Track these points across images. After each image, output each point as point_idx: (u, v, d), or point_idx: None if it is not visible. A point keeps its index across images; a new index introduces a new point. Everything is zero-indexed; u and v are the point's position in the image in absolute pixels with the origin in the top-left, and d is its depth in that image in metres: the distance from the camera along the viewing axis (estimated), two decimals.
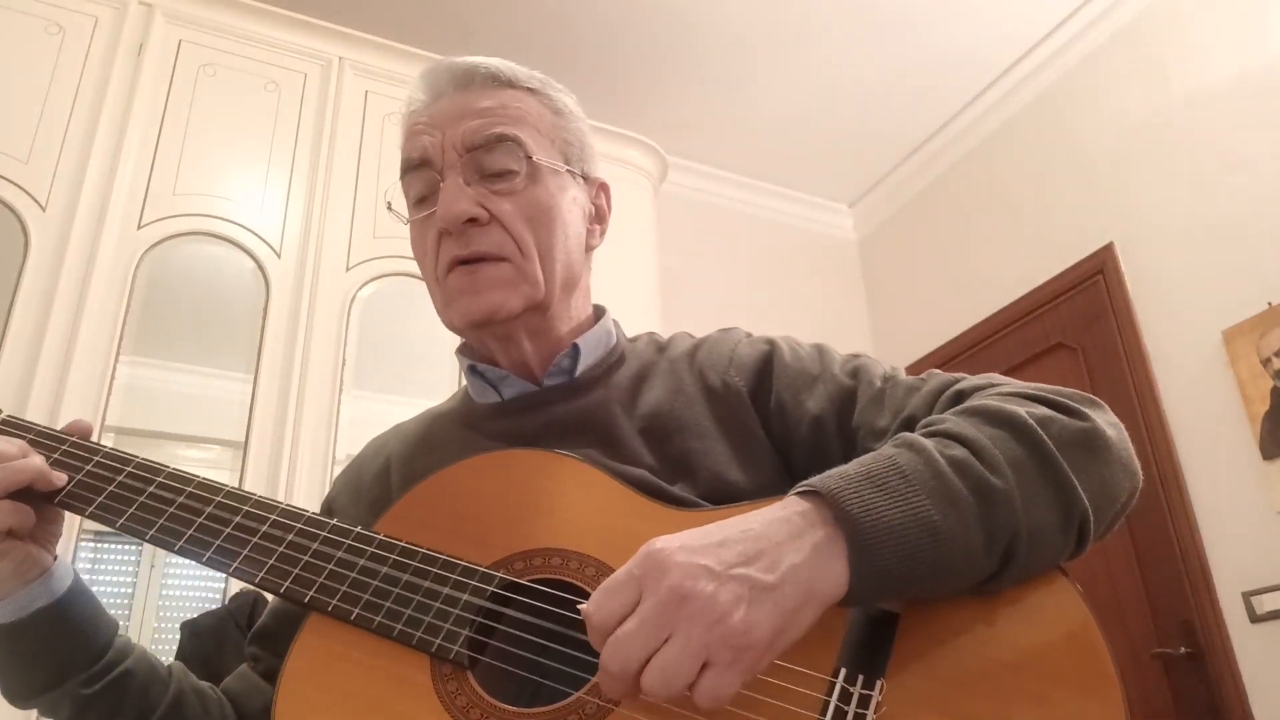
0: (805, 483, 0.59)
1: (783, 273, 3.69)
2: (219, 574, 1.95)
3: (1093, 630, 0.57)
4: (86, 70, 2.18)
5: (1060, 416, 0.64)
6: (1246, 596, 2.30)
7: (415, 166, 0.82)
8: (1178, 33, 2.73)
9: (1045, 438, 0.61)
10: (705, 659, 0.50)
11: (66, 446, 0.74)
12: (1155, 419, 2.58)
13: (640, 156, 2.91)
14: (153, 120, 2.21)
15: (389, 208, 0.89)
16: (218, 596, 1.92)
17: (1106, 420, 0.66)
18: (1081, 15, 2.97)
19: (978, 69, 3.21)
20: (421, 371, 2.45)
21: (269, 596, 1.86)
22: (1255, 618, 2.28)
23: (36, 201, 2.02)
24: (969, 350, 3.26)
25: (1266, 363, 2.33)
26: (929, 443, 0.61)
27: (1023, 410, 0.63)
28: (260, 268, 2.19)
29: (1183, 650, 2.41)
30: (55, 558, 0.72)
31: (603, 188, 0.90)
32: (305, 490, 1.97)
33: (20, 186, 2.01)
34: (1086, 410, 0.65)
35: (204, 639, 0.82)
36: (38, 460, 0.70)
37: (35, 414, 1.83)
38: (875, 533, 0.55)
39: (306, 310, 2.18)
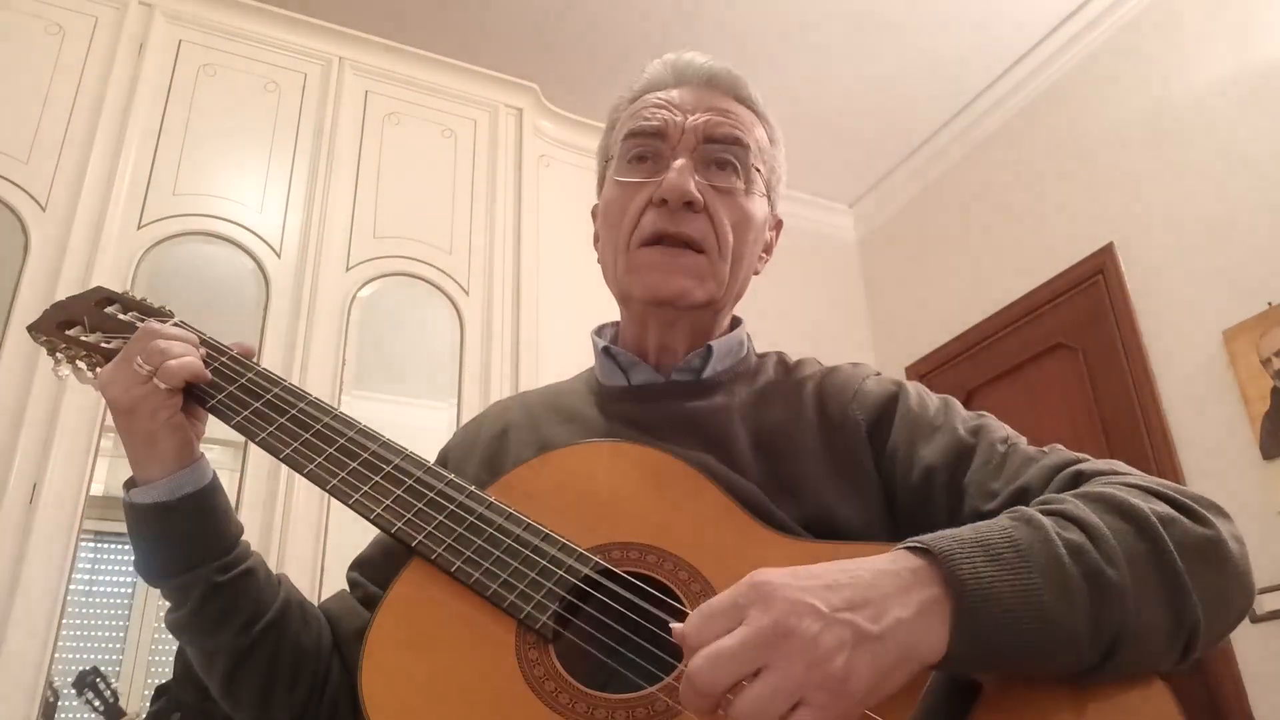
0: (918, 539, 0.58)
1: (783, 273, 3.68)
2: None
3: None
4: (86, 70, 2.18)
5: (1184, 520, 0.62)
6: None
7: (650, 134, 0.84)
8: (1178, 32, 2.73)
9: (1167, 538, 0.60)
10: (800, 698, 0.49)
11: (225, 359, 0.81)
12: (1155, 419, 2.58)
13: None
14: (152, 120, 2.21)
15: (606, 158, 0.92)
16: None
17: (1230, 532, 0.64)
18: (1081, 15, 2.97)
19: (978, 69, 3.21)
20: (421, 371, 2.45)
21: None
22: (1255, 618, 2.28)
23: (36, 201, 2.02)
24: (969, 350, 3.26)
25: (1266, 363, 2.33)
26: (1047, 521, 0.59)
27: (1147, 507, 0.61)
28: (260, 268, 2.20)
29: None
30: (202, 453, 0.78)
31: (779, 224, 0.94)
32: (305, 490, 1.97)
33: (20, 186, 2.02)
34: (1212, 518, 0.63)
35: None
36: (200, 352, 0.78)
37: (36, 414, 1.84)
38: (982, 602, 0.55)
39: (306, 310, 2.18)
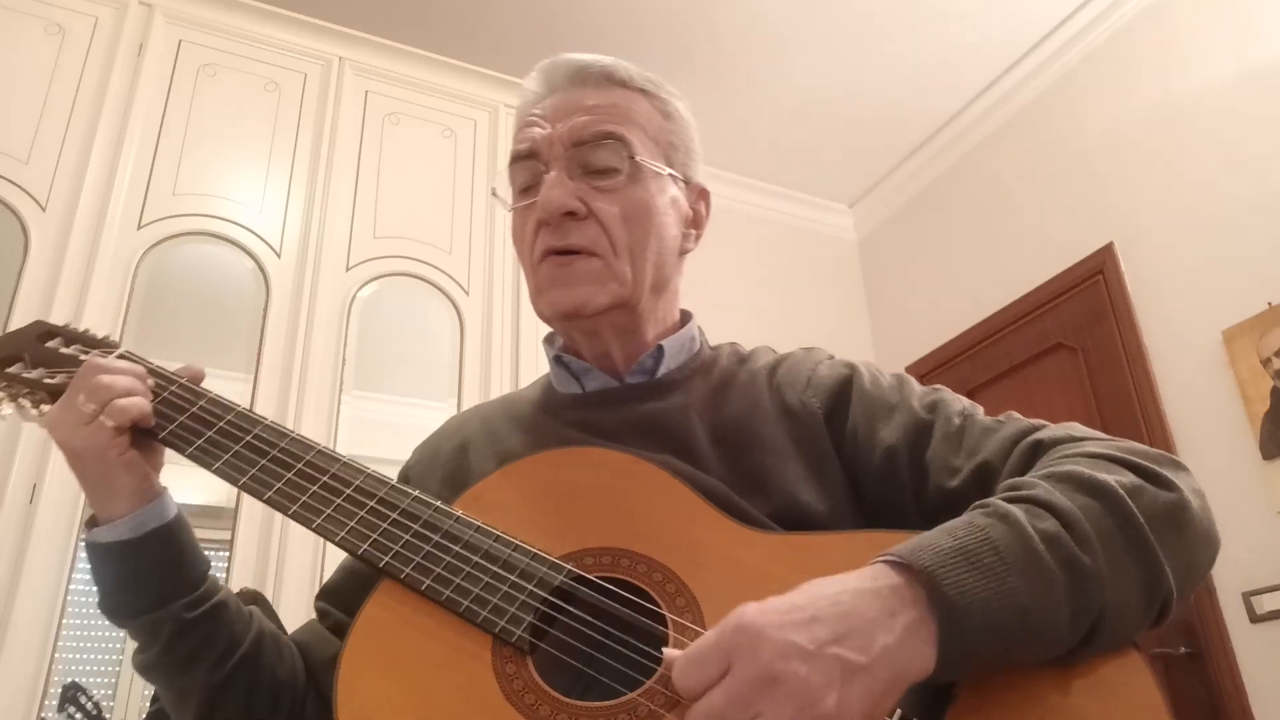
0: (896, 553, 0.58)
1: (782, 273, 3.69)
2: (218, 576, 1.95)
3: (1160, 711, 0.56)
4: (86, 70, 2.18)
5: (1149, 487, 0.63)
6: (1246, 596, 2.30)
7: (523, 157, 0.84)
8: (1178, 33, 2.73)
9: (1136, 511, 0.61)
10: None
11: (175, 388, 0.79)
12: (1155, 419, 2.58)
13: None
14: (153, 120, 2.21)
15: (493, 193, 0.91)
16: None
17: (1191, 488, 0.65)
18: (1081, 15, 2.97)
19: (978, 69, 3.21)
20: (421, 371, 2.45)
21: (269, 597, 1.86)
22: (1255, 618, 2.28)
23: (36, 201, 2.02)
24: (969, 350, 3.26)
25: (1266, 363, 2.33)
26: (1020, 514, 0.59)
27: (1113, 479, 0.62)
28: (260, 268, 2.20)
29: (1183, 650, 2.41)
30: (164, 487, 0.76)
31: (703, 194, 0.91)
32: None
33: (20, 186, 2.01)
34: (1172, 478, 0.64)
35: None
36: (140, 371, 0.76)
37: None
38: (967, 615, 0.55)
39: (306, 310, 2.18)
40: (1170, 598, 0.61)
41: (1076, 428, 0.71)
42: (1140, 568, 0.60)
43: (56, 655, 1.72)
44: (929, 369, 3.40)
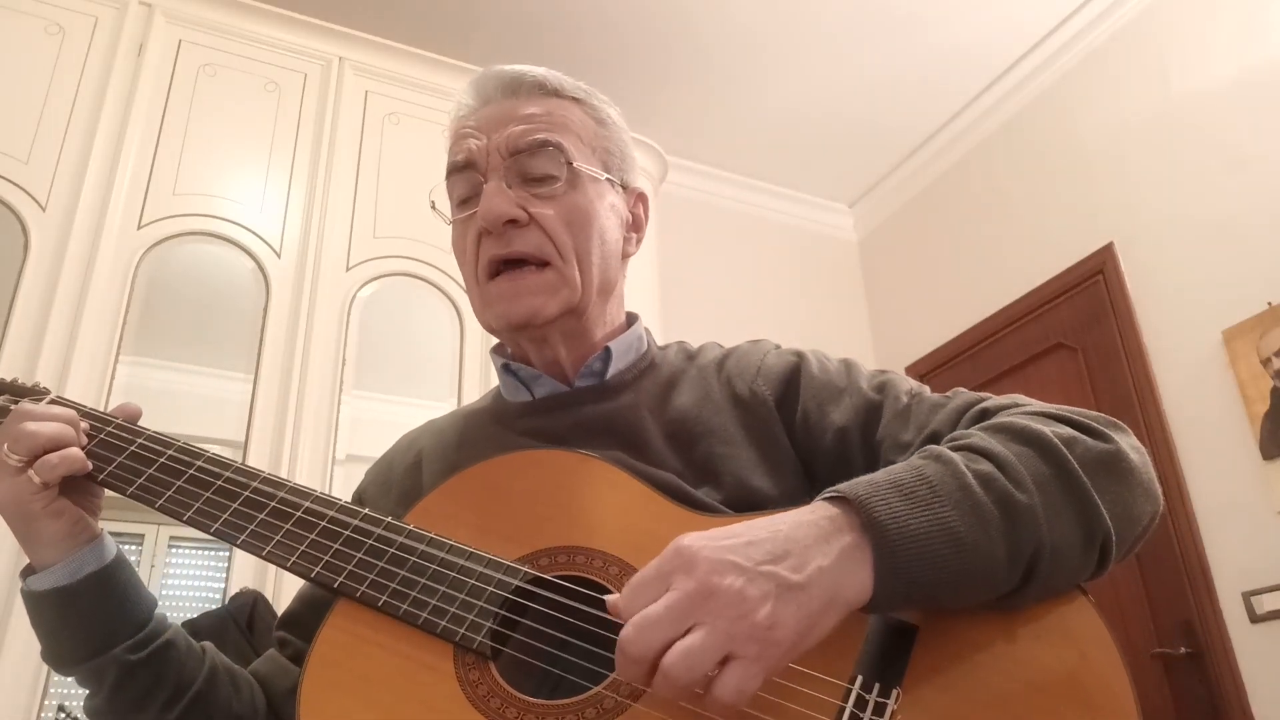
0: (834, 489, 0.60)
1: (783, 273, 3.69)
2: (218, 575, 1.95)
3: (1111, 651, 0.57)
4: (86, 70, 2.18)
5: (1084, 438, 0.65)
6: (1246, 596, 2.30)
7: (460, 169, 0.84)
8: (1178, 33, 2.73)
9: (1070, 457, 0.62)
10: (729, 651, 0.51)
11: (111, 428, 0.77)
12: (1155, 419, 2.58)
13: (640, 156, 2.86)
14: (153, 120, 2.21)
15: (432, 206, 0.91)
16: (218, 597, 1.92)
17: (1130, 444, 0.67)
18: (1082, 15, 2.97)
19: (978, 69, 3.21)
20: (421, 371, 2.45)
21: (269, 597, 1.86)
22: (1255, 618, 2.28)
23: (36, 201, 2.02)
24: (969, 350, 3.26)
25: (1266, 363, 2.33)
26: (956, 456, 0.62)
27: (1049, 430, 0.64)
28: (260, 268, 2.19)
29: (1183, 650, 2.41)
30: (102, 528, 0.75)
31: (640, 197, 0.93)
32: None
33: (20, 186, 2.01)
34: (1110, 433, 0.66)
35: (204, 639, 0.82)
36: (71, 414, 0.74)
37: None
38: (901, 540, 0.56)
39: (306, 310, 2.18)
40: (1109, 540, 0.62)
41: (1021, 397, 0.73)
42: (1075, 510, 0.61)
43: None
44: (929, 369, 3.40)
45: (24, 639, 1.68)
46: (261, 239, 2.22)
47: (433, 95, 2.59)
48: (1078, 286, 2.90)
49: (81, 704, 0.74)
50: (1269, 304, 2.35)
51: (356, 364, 2.21)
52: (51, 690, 1.71)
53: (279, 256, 2.22)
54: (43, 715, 1.68)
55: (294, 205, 2.29)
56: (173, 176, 2.18)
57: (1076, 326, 2.90)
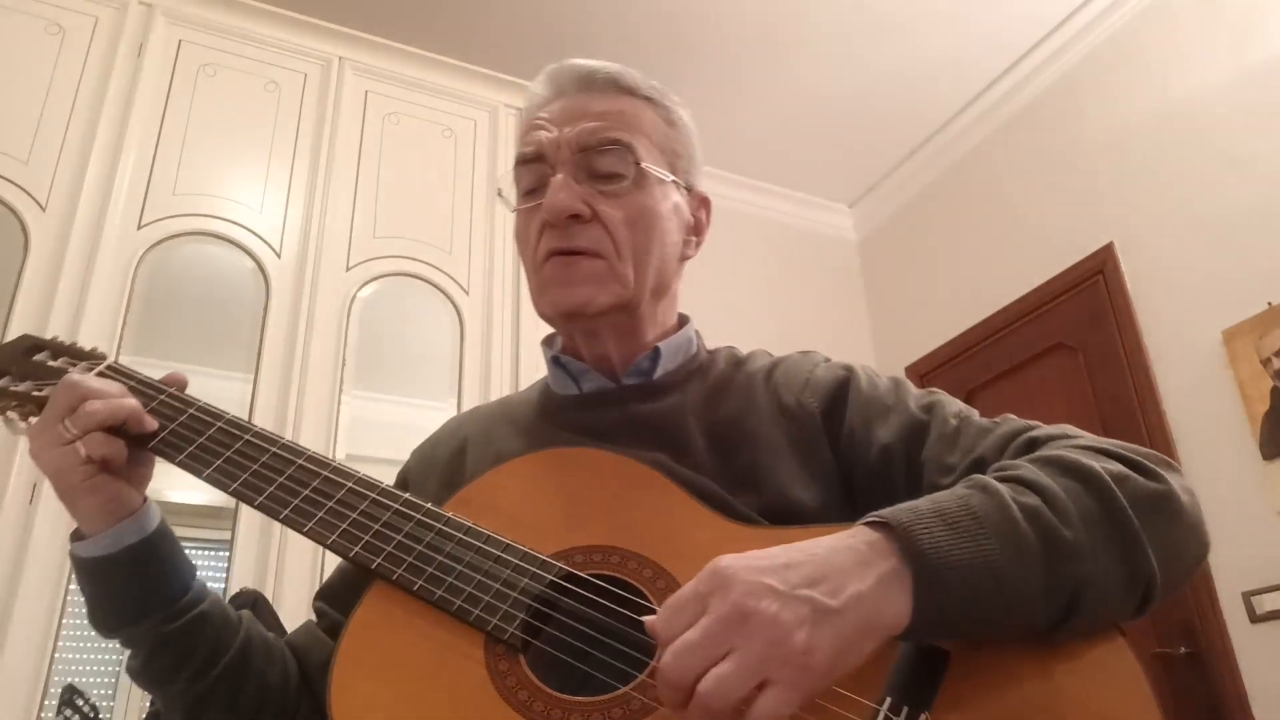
0: (875, 513, 0.59)
1: (783, 273, 3.69)
2: (219, 575, 1.95)
3: (1145, 695, 0.56)
4: (86, 70, 2.18)
5: (1135, 476, 0.63)
6: (1246, 596, 2.30)
7: (529, 160, 0.84)
8: (1178, 33, 2.73)
9: (1119, 495, 0.61)
10: (764, 676, 0.50)
11: (164, 397, 0.78)
12: (1155, 419, 2.58)
13: None
14: (153, 120, 2.21)
15: (499, 194, 0.92)
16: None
17: (1180, 484, 0.65)
18: (1081, 15, 2.97)
19: (978, 69, 3.21)
20: (421, 371, 2.45)
21: (269, 596, 1.86)
22: (1255, 618, 2.28)
23: (36, 201, 2.02)
24: (969, 350, 3.26)
25: (1266, 363, 2.33)
26: (1003, 488, 0.61)
27: (1099, 465, 0.63)
28: (260, 268, 2.20)
29: (1183, 650, 2.41)
30: (145, 499, 0.75)
31: (704, 202, 0.93)
32: None
33: (20, 186, 2.01)
34: (1162, 472, 0.65)
35: None
36: (134, 402, 0.74)
37: None
38: (942, 570, 0.56)
39: (306, 310, 2.18)
40: (1153, 582, 0.61)
41: (1072, 429, 0.72)
42: (1121, 548, 0.60)
43: (56, 656, 1.72)
44: (929, 369, 3.40)
45: (24, 638, 1.68)
46: (261, 239, 2.22)
47: (433, 95, 2.59)
48: (1078, 286, 2.90)
49: (125, 663, 0.77)
50: (1269, 304, 2.35)
51: (356, 364, 2.21)
52: (52, 690, 1.71)
53: (279, 256, 2.22)
54: (43, 715, 1.68)
55: (294, 205, 2.29)
56: (173, 176, 2.18)
57: (1076, 326, 2.90)
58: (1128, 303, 2.73)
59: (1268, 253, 2.40)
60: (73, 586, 1.78)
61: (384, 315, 2.34)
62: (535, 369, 2.30)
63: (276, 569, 1.91)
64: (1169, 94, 2.72)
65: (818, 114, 3.38)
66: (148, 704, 1.54)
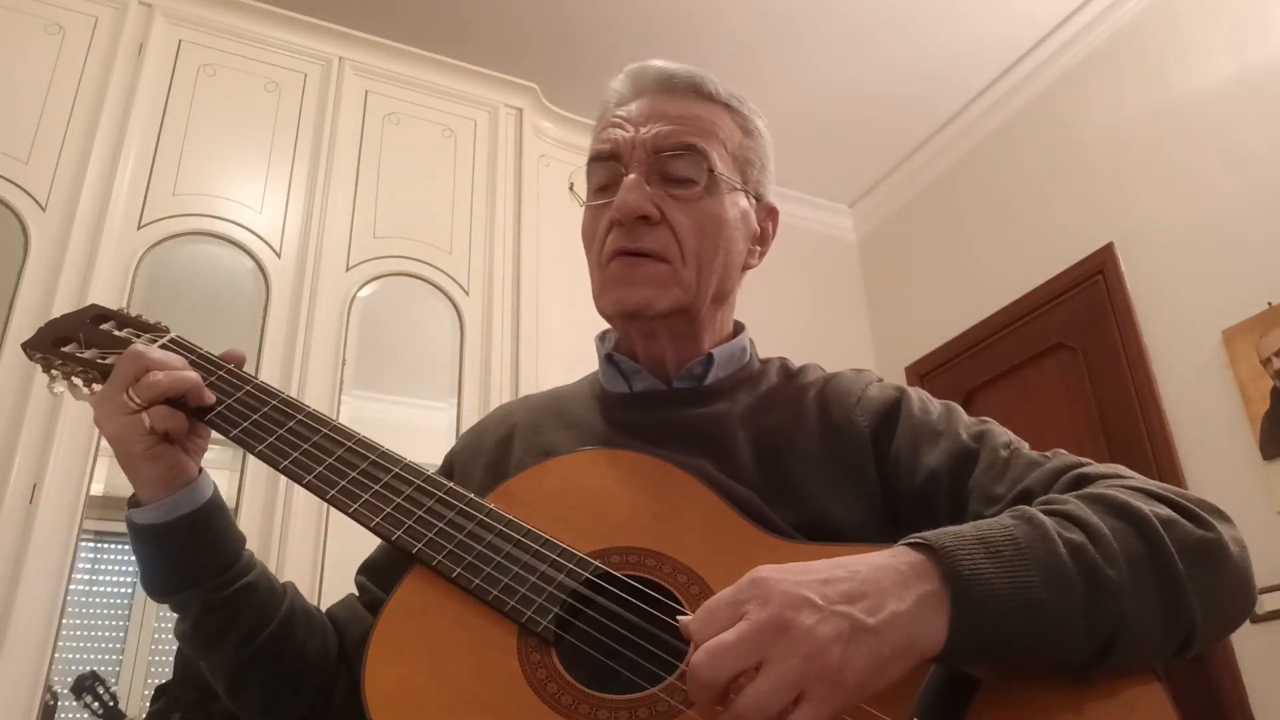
0: (918, 535, 0.59)
1: (783, 273, 3.69)
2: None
3: None
4: (86, 70, 2.18)
5: (1184, 522, 0.63)
6: None
7: (603, 157, 0.85)
8: (1177, 33, 2.73)
9: (1166, 539, 0.60)
10: (800, 691, 0.50)
11: (222, 373, 0.80)
12: (1155, 419, 2.58)
13: None
14: (153, 120, 2.21)
15: (570, 188, 0.93)
16: None
17: (1231, 535, 0.65)
18: (1081, 15, 2.97)
19: (977, 69, 3.21)
20: (421, 371, 2.45)
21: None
22: (1255, 618, 2.28)
23: (36, 201, 2.02)
24: (969, 350, 3.26)
25: (1266, 363, 2.33)
26: (1049, 521, 0.61)
27: (1148, 508, 0.62)
28: (260, 268, 2.20)
29: None
30: (201, 469, 0.78)
31: (771, 212, 0.93)
32: (304, 492, 1.97)
33: (20, 186, 2.02)
34: (1213, 521, 0.64)
35: None
36: (195, 375, 0.76)
37: (37, 412, 1.84)
38: (981, 597, 0.56)
39: (306, 310, 2.18)
40: (1194, 629, 0.60)
41: (1124, 469, 0.71)
42: (1164, 593, 0.59)
43: (56, 655, 1.72)
44: (929, 369, 3.40)
45: (25, 638, 1.68)
46: (261, 239, 2.22)
47: (433, 95, 2.59)
48: (1077, 286, 2.90)
49: (175, 625, 0.79)
50: (1269, 304, 2.35)
51: (356, 364, 2.21)
52: (52, 690, 1.71)
53: (279, 256, 2.22)
54: (42, 715, 1.68)
55: (294, 205, 2.29)
56: (173, 176, 2.18)
57: (1076, 326, 2.90)
58: (1128, 303, 2.73)
59: (1268, 253, 2.40)
60: (73, 586, 1.78)
61: (384, 315, 2.34)
62: (535, 369, 2.30)
63: (276, 568, 1.91)
64: (1169, 93, 2.72)
65: (818, 114, 3.38)
66: (148, 704, 1.54)
